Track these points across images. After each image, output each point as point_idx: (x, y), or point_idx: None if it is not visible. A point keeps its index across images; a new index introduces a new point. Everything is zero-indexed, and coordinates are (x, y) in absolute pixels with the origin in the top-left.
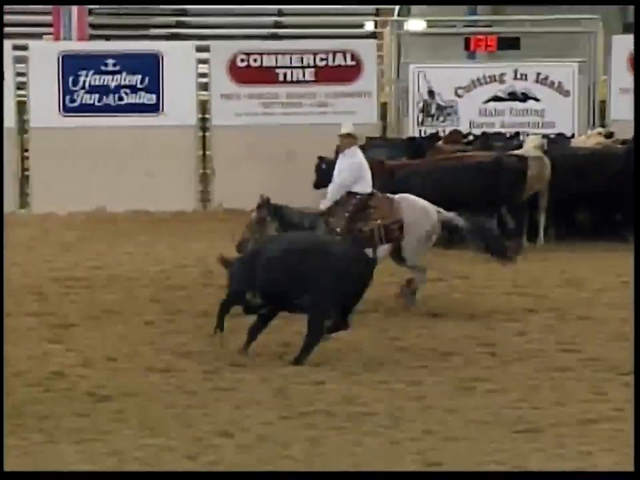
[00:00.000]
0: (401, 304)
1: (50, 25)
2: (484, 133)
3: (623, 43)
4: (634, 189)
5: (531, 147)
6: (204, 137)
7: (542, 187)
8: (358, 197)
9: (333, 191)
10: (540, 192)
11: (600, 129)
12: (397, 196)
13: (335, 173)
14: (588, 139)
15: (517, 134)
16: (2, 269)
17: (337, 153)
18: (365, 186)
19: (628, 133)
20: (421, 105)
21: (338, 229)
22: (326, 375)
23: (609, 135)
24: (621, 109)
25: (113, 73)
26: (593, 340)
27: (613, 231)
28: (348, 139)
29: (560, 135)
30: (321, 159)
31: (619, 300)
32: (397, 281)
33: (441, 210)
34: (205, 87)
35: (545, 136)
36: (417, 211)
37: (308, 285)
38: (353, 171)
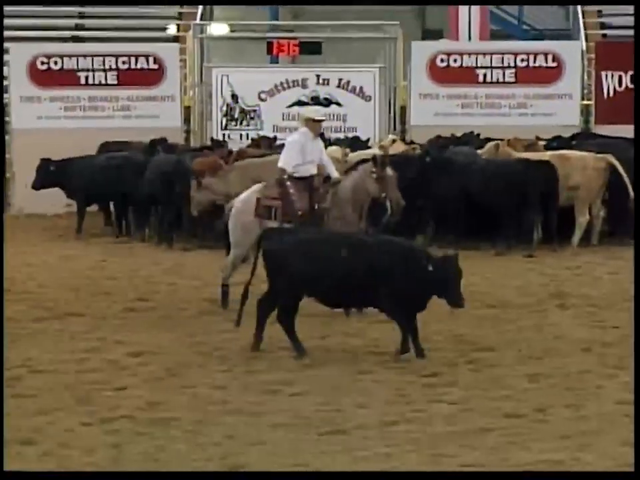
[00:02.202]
0: None
1: None
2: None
3: (422, 49)
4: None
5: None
6: (3, 140)
7: None
8: None
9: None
10: None
11: (393, 136)
12: None
13: (316, 153)
14: (390, 146)
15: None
16: (2, 269)
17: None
18: None
19: (426, 138)
20: (224, 109)
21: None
22: (129, 381)
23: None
24: (420, 115)
25: None
26: (396, 342)
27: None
28: (320, 124)
29: (355, 137)
30: (45, 160)
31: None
32: (200, 285)
33: None
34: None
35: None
36: None
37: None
38: None
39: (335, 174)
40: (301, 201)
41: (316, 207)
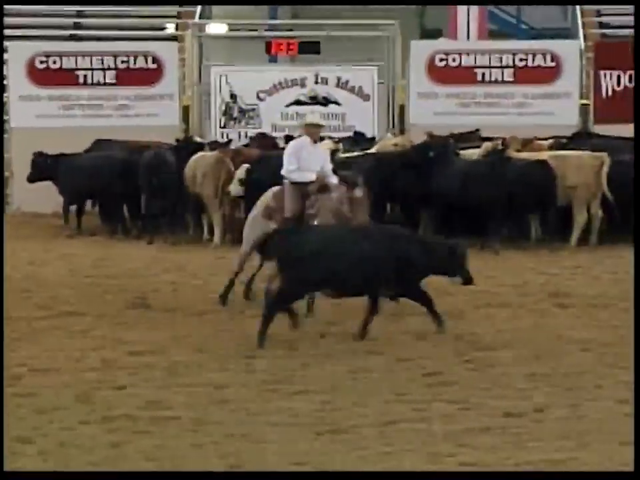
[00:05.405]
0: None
1: None
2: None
3: (421, 48)
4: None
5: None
6: (2, 139)
7: None
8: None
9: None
10: None
11: (397, 139)
12: None
13: (316, 160)
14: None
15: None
16: (2, 268)
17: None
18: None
19: (425, 137)
20: (223, 108)
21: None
22: (128, 380)
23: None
24: (419, 114)
25: None
26: (398, 341)
27: None
28: (318, 129)
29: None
30: (39, 154)
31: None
32: (200, 283)
33: None
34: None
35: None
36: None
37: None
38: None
39: (334, 183)
40: (292, 205)
41: (305, 212)
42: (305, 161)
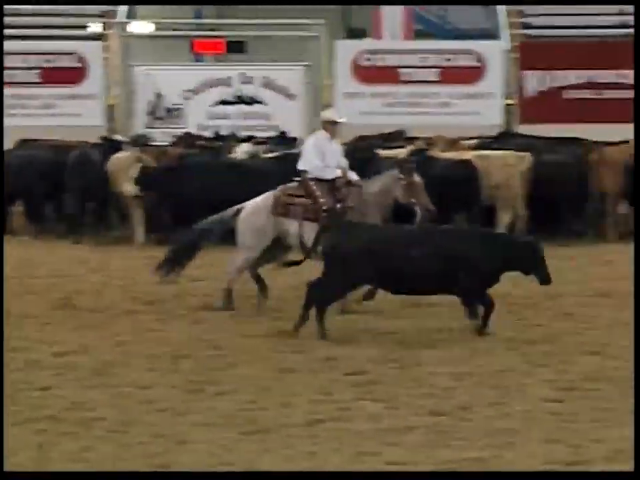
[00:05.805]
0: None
1: None
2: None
3: (347, 48)
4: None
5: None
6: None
7: None
8: None
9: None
10: None
11: None
12: None
13: (335, 156)
14: None
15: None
16: (2, 268)
17: None
18: None
19: (351, 137)
20: (148, 107)
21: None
22: (53, 381)
23: None
24: (345, 114)
25: None
26: (323, 340)
27: None
28: (336, 125)
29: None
30: None
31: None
32: (126, 284)
33: None
34: None
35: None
36: None
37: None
38: None
39: (355, 177)
40: (325, 199)
41: (338, 205)
42: (327, 157)
